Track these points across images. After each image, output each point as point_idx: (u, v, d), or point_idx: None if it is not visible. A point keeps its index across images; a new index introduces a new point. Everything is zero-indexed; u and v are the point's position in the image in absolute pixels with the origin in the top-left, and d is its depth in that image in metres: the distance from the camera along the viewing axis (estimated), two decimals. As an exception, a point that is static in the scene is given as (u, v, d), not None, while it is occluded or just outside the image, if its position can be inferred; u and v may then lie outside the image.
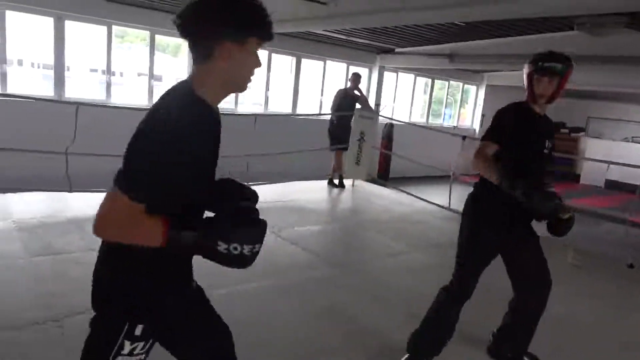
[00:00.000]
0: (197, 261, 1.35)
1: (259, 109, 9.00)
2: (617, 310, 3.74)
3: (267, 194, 6.18)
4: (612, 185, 11.75)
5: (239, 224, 1.23)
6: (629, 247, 4.95)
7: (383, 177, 9.06)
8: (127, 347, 1.31)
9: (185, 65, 8.04)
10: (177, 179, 1.18)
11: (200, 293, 1.50)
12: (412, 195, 6.98)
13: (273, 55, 8.89)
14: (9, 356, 2.38)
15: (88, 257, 3.59)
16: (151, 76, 7.79)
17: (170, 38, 8.15)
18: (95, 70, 8.06)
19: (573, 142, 13.45)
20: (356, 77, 7.20)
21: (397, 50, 9.67)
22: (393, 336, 2.86)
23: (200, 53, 1.25)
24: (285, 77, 9.51)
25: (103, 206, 1.15)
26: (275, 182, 6.64)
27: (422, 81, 11.66)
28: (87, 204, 4.90)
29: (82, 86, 7.78)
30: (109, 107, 7.00)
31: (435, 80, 11.83)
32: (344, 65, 9.95)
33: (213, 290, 1.64)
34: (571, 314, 3.49)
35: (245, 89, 1.35)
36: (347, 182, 7.37)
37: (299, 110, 9.55)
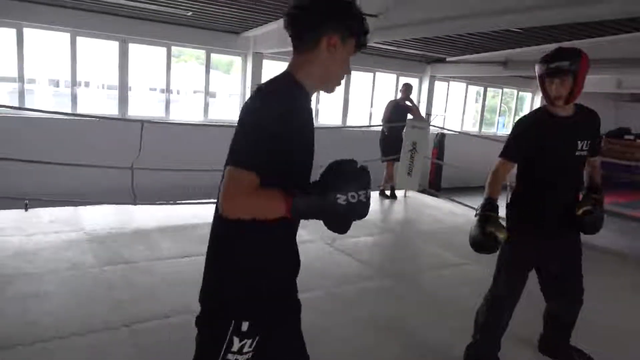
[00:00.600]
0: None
1: (310, 122, 9.14)
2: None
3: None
4: (685, 194, 10.97)
5: (348, 174, 1.29)
6: None
7: (434, 187, 8.93)
8: (236, 344, 1.33)
9: (238, 82, 8.33)
10: (285, 152, 1.25)
11: (297, 312, 1.53)
12: (466, 205, 6.83)
13: (323, 68, 9.03)
14: (88, 357, 2.56)
15: (153, 267, 3.82)
16: (207, 93, 8.13)
17: (223, 56, 8.49)
18: (155, 89, 8.53)
19: (639, 149, 12.68)
20: (407, 88, 7.18)
21: (449, 59, 9.56)
22: (450, 348, 2.82)
23: (307, 41, 1.37)
24: (335, 89, 9.63)
25: (225, 184, 1.22)
26: (327, 194, 6.69)
27: (474, 90, 11.45)
28: (150, 215, 5.16)
29: (143, 104, 8.24)
30: (169, 123, 7.35)
31: (488, 89, 11.58)
32: (394, 76, 9.95)
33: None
34: (634, 330, 3.29)
35: (333, 91, 1.49)
36: (399, 193, 7.33)
37: (349, 122, 9.63)
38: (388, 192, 7.24)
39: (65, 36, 6.81)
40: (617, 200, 9.98)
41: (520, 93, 12.24)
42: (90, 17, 6.68)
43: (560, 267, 2.52)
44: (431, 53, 9.09)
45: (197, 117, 8.11)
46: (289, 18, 1.37)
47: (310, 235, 4.64)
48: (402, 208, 6.97)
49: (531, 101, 12.38)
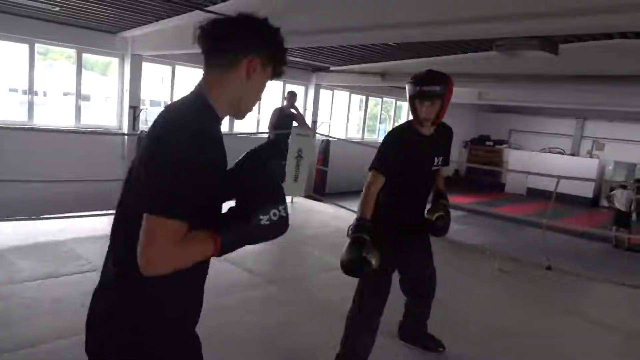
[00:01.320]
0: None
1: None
2: (535, 311, 3.99)
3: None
4: (532, 193, 12.61)
5: (265, 191, 1.27)
6: (546, 250, 5.30)
7: (319, 192, 9.20)
8: None
9: (115, 84, 7.78)
10: (207, 188, 1.15)
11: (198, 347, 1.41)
12: (349, 209, 7.11)
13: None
14: None
15: (9, 291, 3.39)
16: (78, 95, 7.47)
17: (100, 56, 7.88)
18: (15, 90, 7.60)
19: (497, 154, 14.33)
20: (291, 95, 7.30)
21: (332, 68, 9.92)
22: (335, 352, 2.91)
23: (225, 60, 1.26)
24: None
25: (146, 239, 1.08)
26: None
27: (357, 98, 12.01)
28: (7, 233, 4.58)
29: (1, 107, 7.31)
30: (32, 129, 6.62)
31: (370, 97, 12.22)
32: (280, 83, 10.05)
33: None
34: (492, 318, 3.68)
35: (243, 117, 1.39)
36: (286, 199, 7.39)
37: (236, 129, 9.52)
38: (275, 199, 7.26)
39: None
40: (479, 200, 11.16)
41: (398, 102, 13.13)
42: None
43: (415, 267, 2.76)
44: (316, 62, 9.36)
45: (67, 122, 7.41)
46: (207, 29, 1.24)
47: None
48: (289, 214, 7.05)
49: (407, 110, 13.33)
